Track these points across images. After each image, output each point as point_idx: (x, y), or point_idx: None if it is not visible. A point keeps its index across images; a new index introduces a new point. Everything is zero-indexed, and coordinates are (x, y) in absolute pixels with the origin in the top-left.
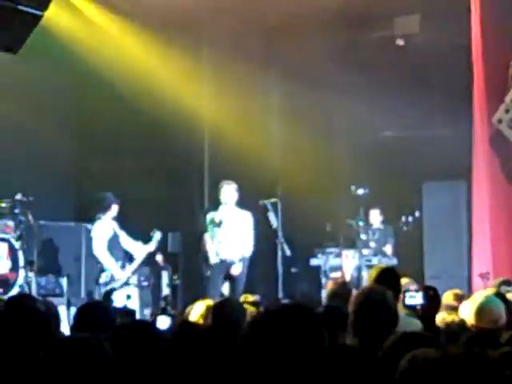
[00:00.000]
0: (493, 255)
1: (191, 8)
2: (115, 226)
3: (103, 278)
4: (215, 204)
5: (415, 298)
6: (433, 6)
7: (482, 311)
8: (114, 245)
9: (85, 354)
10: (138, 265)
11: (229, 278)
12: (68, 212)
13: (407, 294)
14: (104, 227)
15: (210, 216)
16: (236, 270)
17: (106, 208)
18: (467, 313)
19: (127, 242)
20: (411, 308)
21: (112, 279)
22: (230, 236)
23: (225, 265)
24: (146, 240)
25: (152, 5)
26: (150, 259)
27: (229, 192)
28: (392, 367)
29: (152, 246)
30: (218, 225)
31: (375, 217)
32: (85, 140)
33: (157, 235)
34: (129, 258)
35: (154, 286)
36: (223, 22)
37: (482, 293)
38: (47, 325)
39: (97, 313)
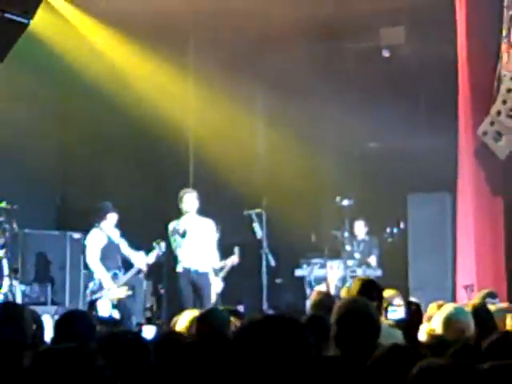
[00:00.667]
0: (477, 267)
1: (177, 17)
2: (114, 234)
3: (91, 287)
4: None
5: (397, 313)
6: (418, 18)
7: (449, 321)
8: (107, 254)
9: (76, 364)
10: (131, 274)
11: (195, 288)
12: (52, 221)
13: (389, 309)
14: (98, 236)
15: (172, 225)
16: (217, 284)
17: (101, 217)
18: (436, 323)
19: (128, 251)
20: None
21: (100, 288)
22: (195, 245)
23: (190, 274)
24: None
25: (138, 13)
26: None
27: (191, 200)
28: (379, 379)
29: (151, 258)
30: (183, 235)
31: (360, 228)
32: (70, 149)
33: (161, 245)
34: (126, 267)
35: (138, 296)
36: (209, 31)
37: (451, 304)
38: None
39: (78, 322)
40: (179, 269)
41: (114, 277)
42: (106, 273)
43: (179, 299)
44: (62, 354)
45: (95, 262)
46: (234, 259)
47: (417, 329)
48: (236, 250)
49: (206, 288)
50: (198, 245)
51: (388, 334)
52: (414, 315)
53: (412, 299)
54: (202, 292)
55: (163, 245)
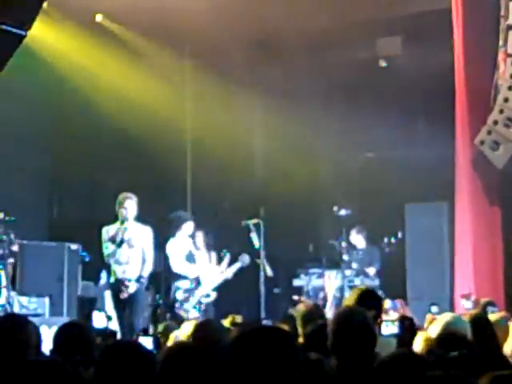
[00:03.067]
0: (475, 277)
1: (175, 24)
2: (190, 244)
3: (180, 294)
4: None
5: (391, 328)
6: (415, 28)
7: (447, 330)
8: (190, 261)
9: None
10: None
11: (126, 301)
12: (47, 232)
13: (383, 324)
14: (179, 244)
15: (107, 231)
16: (131, 288)
17: (177, 226)
18: (433, 331)
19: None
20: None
21: (198, 284)
22: (132, 255)
23: (122, 285)
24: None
25: (134, 21)
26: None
27: (132, 207)
28: None
29: (223, 267)
30: (119, 244)
31: (356, 238)
32: (65, 158)
33: (227, 257)
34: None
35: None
36: (207, 39)
37: (448, 313)
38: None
39: (76, 333)
40: (111, 279)
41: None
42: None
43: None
44: (45, 368)
45: (184, 264)
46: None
47: (410, 343)
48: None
49: (137, 303)
50: (135, 255)
51: (382, 343)
52: (408, 330)
53: (406, 313)
54: (132, 305)
55: (246, 258)
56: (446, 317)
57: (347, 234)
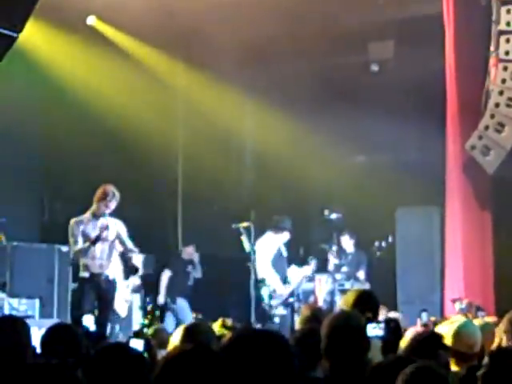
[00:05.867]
0: (465, 281)
1: (166, 31)
2: (283, 248)
3: (266, 292)
4: None
5: (376, 330)
6: (407, 32)
7: (460, 334)
8: (277, 263)
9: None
10: (294, 287)
11: (100, 296)
12: (37, 234)
13: (369, 326)
14: (269, 243)
15: (76, 223)
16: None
17: (278, 229)
18: (445, 334)
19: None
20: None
21: (274, 294)
22: (107, 250)
23: (97, 280)
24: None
25: (127, 26)
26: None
27: (114, 205)
28: None
29: (308, 270)
30: (94, 242)
31: (346, 242)
32: (56, 161)
33: (313, 262)
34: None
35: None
36: (198, 45)
37: (461, 317)
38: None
39: (64, 336)
40: (85, 274)
41: (285, 283)
42: (279, 280)
43: (79, 304)
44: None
45: (268, 268)
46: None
47: (396, 346)
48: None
49: (113, 298)
50: (109, 250)
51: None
52: (393, 333)
53: (392, 315)
54: (106, 300)
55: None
56: (460, 321)
57: (338, 238)
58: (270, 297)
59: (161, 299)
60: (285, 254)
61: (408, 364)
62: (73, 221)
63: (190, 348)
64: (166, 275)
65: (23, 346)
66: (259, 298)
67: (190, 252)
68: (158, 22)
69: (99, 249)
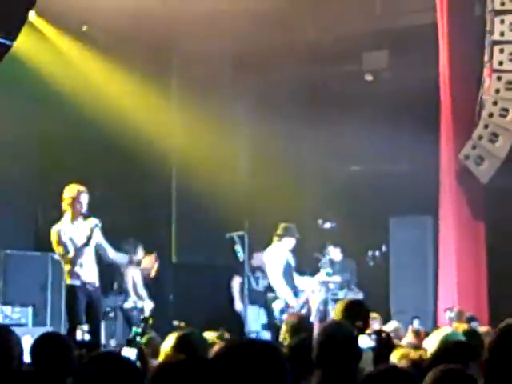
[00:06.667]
0: (459, 290)
1: (161, 38)
2: (290, 256)
3: (278, 305)
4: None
5: (367, 341)
6: (401, 42)
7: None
8: (287, 274)
9: None
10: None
11: (89, 304)
12: (32, 242)
13: (360, 336)
14: (277, 254)
15: (58, 231)
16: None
17: (283, 237)
18: (431, 345)
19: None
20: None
21: (287, 306)
22: (93, 256)
23: (87, 288)
24: None
25: (122, 34)
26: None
27: (86, 201)
28: None
29: (322, 276)
30: (86, 244)
31: (334, 251)
32: (51, 168)
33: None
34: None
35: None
36: (193, 53)
37: (447, 327)
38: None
39: (53, 345)
40: (76, 282)
41: (296, 295)
42: (290, 291)
43: (70, 314)
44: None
45: (280, 279)
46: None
47: (387, 357)
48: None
49: (101, 305)
50: (93, 256)
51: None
52: (384, 344)
53: (391, 325)
54: (98, 309)
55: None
56: (446, 330)
57: (324, 249)
58: (282, 311)
59: (238, 306)
60: (293, 263)
61: (400, 374)
62: (55, 230)
63: (182, 358)
64: (236, 282)
65: (6, 356)
66: (270, 313)
67: (259, 258)
68: (152, 28)
69: (86, 255)
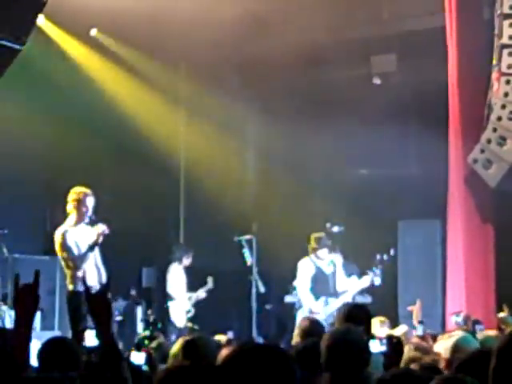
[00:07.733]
0: (467, 294)
1: (168, 43)
2: (324, 264)
3: (305, 312)
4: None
5: (378, 345)
6: (409, 45)
7: (458, 347)
8: (318, 282)
9: None
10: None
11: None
12: (40, 246)
13: (371, 341)
14: (308, 264)
15: (64, 233)
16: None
17: (315, 248)
18: (442, 348)
19: (341, 278)
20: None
21: (311, 313)
22: (96, 260)
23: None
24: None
25: (129, 39)
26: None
27: (92, 204)
28: None
29: (366, 282)
30: (91, 248)
31: (334, 256)
32: (59, 173)
33: (371, 273)
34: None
35: (128, 321)
36: (200, 57)
37: (459, 331)
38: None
39: (61, 349)
40: (79, 288)
41: (326, 302)
42: (313, 299)
43: (75, 319)
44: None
45: (304, 289)
46: (200, 293)
47: (398, 362)
48: (209, 279)
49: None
50: (97, 259)
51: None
52: (395, 349)
53: (401, 329)
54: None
55: (378, 271)
56: (459, 334)
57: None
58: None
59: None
60: (328, 270)
61: (410, 378)
62: (60, 233)
63: (186, 364)
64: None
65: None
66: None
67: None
68: (160, 34)
69: (90, 260)
